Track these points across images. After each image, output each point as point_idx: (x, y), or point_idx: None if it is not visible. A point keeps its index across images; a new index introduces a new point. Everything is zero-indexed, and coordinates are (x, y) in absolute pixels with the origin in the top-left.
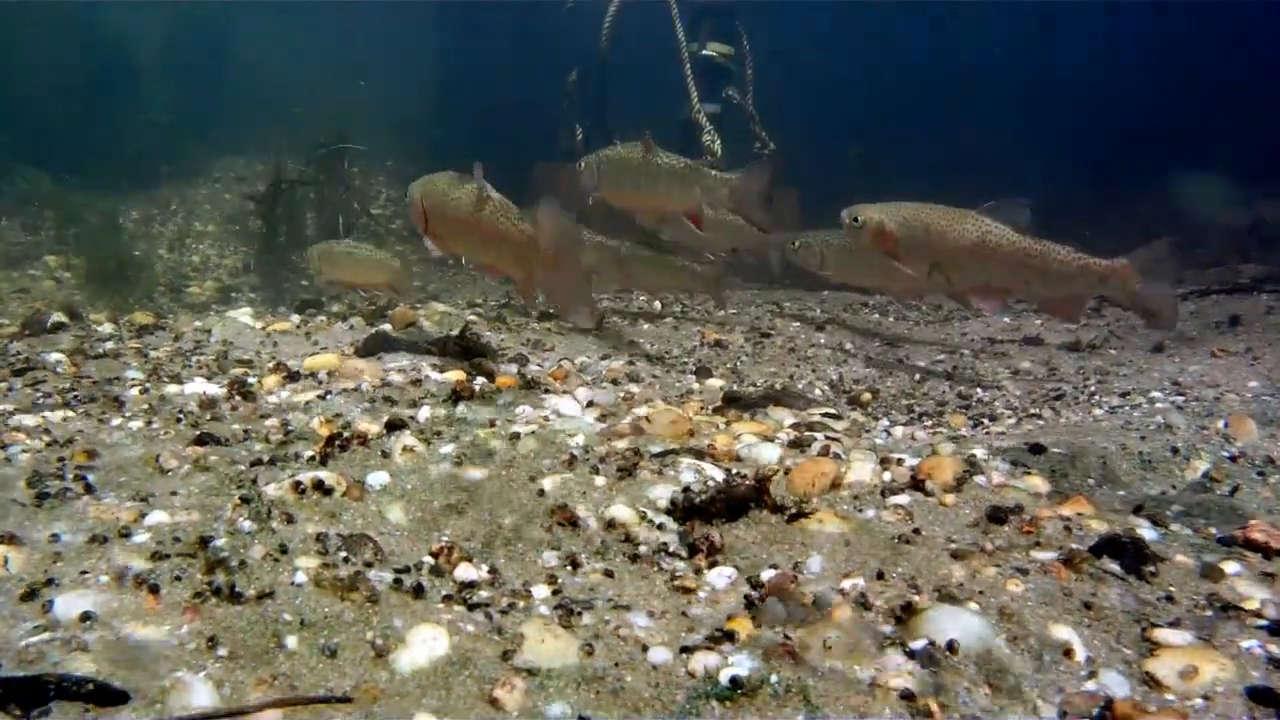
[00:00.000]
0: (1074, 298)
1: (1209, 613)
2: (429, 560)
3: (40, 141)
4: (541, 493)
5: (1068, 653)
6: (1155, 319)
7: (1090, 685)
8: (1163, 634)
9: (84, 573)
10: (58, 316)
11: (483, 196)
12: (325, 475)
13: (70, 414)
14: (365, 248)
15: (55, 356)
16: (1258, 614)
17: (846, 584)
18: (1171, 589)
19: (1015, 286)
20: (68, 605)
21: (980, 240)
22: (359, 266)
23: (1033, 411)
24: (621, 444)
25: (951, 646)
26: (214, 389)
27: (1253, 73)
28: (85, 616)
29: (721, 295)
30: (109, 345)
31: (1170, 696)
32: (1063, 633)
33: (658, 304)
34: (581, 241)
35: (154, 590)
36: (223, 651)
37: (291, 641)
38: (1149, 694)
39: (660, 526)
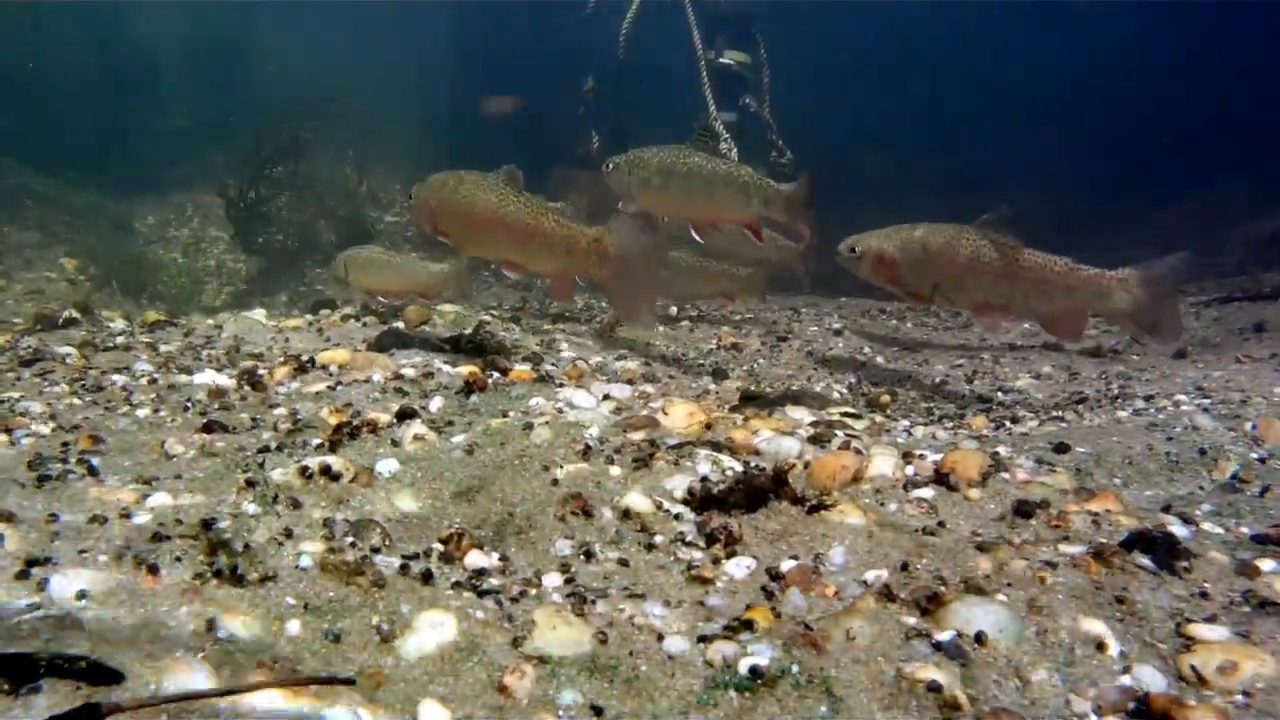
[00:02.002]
0: (1075, 313)
1: (1246, 609)
2: (438, 547)
3: (55, 143)
4: (555, 482)
5: (1100, 646)
6: (1160, 333)
7: (1125, 680)
8: (1199, 629)
9: (82, 552)
10: (69, 313)
11: (517, 194)
12: (333, 461)
13: (77, 401)
14: (400, 254)
15: (65, 349)
16: None
17: (870, 575)
18: (1206, 585)
19: (1015, 302)
20: (63, 583)
21: (974, 255)
22: (398, 273)
23: (1055, 414)
24: (637, 436)
25: (980, 638)
26: (223, 380)
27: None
28: (81, 595)
29: (763, 297)
30: (120, 340)
31: (1209, 692)
32: (1094, 626)
33: (673, 308)
34: (658, 248)
35: (153, 570)
36: (223, 634)
37: (294, 625)
38: (1187, 689)
39: (677, 516)
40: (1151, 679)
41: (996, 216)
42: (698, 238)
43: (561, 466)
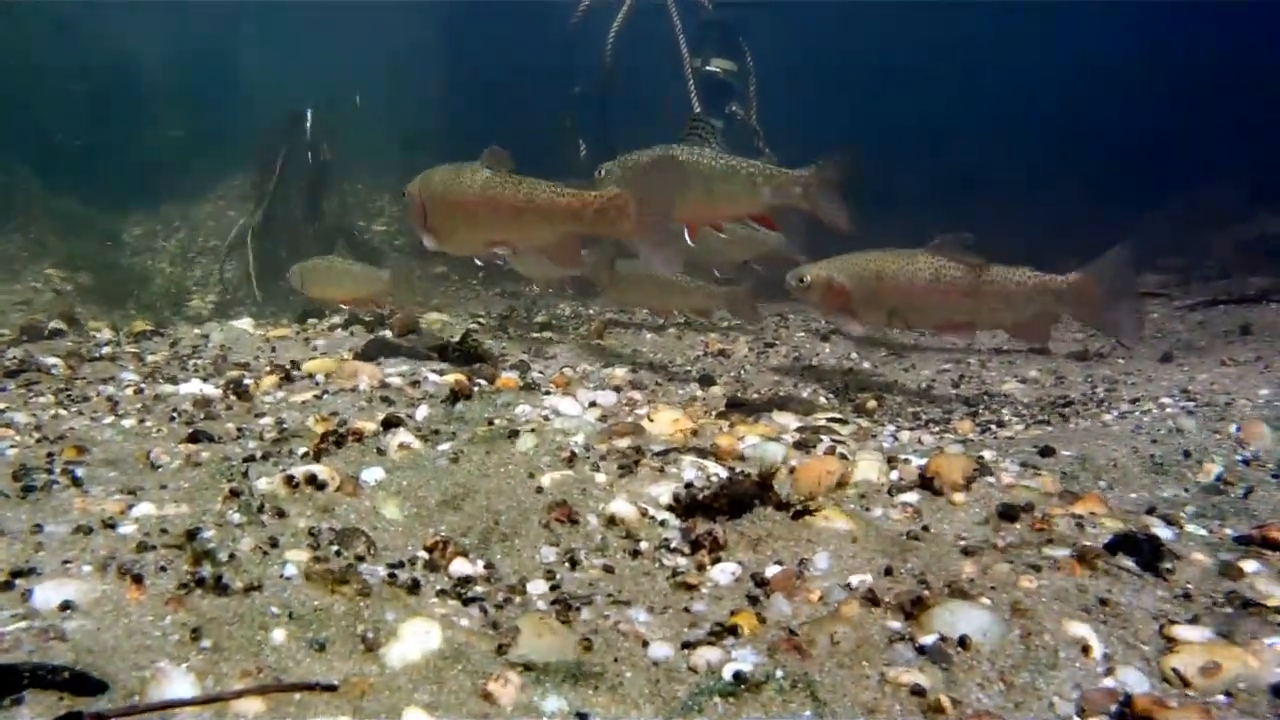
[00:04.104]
0: (1040, 318)
1: (1229, 610)
2: (423, 555)
3: (45, 154)
4: (540, 489)
5: (1084, 649)
6: (1120, 330)
7: (1108, 682)
8: (1181, 631)
9: (66, 563)
10: (56, 324)
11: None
12: (319, 470)
13: (63, 412)
14: (349, 262)
15: (51, 360)
16: (1279, 611)
17: (854, 580)
18: (1189, 586)
19: (978, 316)
20: (47, 594)
21: (935, 277)
22: (344, 280)
23: (1041, 418)
24: (623, 443)
25: (964, 642)
26: (210, 389)
27: (1260, 87)
28: (65, 606)
29: (755, 313)
30: (106, 350)
31: (1192, 693)
32: (1078, 629)
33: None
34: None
35: (138, 581)
36: (206, 643)
37: (279, 634)
38: (1170, 691)
39: (662, 523)
40: (1135, 681)
41: (954, 239)
42: (689, 241)
43: (547, 474)
